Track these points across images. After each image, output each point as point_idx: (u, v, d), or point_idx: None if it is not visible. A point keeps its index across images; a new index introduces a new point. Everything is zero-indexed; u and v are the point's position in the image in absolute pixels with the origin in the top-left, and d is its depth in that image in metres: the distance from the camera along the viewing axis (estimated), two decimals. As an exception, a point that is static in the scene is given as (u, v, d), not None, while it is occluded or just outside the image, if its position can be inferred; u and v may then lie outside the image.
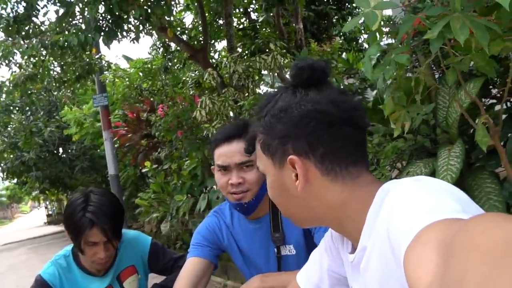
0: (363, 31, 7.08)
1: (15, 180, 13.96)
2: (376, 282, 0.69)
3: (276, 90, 0.88)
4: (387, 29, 1.54)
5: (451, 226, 0.49)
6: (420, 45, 1.59)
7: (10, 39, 4.86)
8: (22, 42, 4.83)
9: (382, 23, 1.34)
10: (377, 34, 1.34)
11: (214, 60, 5.94)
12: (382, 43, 1.42)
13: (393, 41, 1.48)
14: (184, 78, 6.65)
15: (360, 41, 7.14)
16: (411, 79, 1.46)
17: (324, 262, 0.98)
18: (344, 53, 6.89)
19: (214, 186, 4.36)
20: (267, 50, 4.82)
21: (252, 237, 1.49)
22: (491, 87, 2.15)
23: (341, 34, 7.12)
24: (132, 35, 4.83)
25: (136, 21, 4.44)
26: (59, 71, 6.02)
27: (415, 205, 0.58)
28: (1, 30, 4.75)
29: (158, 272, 1.88)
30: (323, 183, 0.74)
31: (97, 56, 6.32)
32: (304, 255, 1.37)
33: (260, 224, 1.47)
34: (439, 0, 1.29)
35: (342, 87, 3.88)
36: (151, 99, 6.53)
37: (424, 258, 0.48)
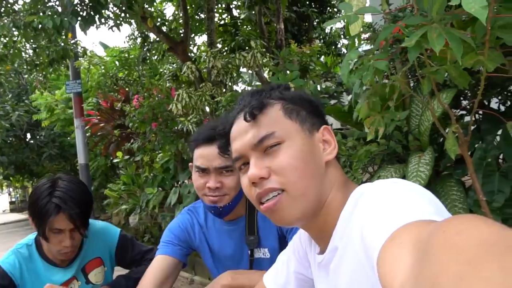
0: (342, 36, 7.17)
1: (-23, 164, 13.39)
2: (347, 283, 0.69)
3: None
4: (366, 35, 1.57)
5: (426, 227, 0.49)
6: (398, 53, 1.63)
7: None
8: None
9: (361, 29, 1.37)
10: (356, 40, 1.36)
11: (193, 54, 5.88)
12: (360, 49, 1.44)
13: (372, 47, 1.51)
14: (161, 70, 6.56)
15: (339, 46, 7.24)
16: (387, 85, 1.49)
17: (291, 264, 0.99)
18: (322, 57, 6.97)
19: (186, 181, 4.33)
20: (247, 47, 4.82)
21: (226, 238, 1.48)
22: (462, 98, 2.23)
23: (321, 37, 7.20)
24: (111, 22, 4.72)
25: (116, 8, 4.35)
26: (32, 54, 5.82)
27: (390, 206, 0.59)
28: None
29: (125, 265, 1.84)
30: (334, 160, 0.79)
31: (72, 41, 6.15)
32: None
33: (236, 226, 1.46)
34: (418, 10, 1.32)
35: (319, 89, 3.92)
36: (127, 89, 6.41)
37: (398, 258, 0.48)
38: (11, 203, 24.89)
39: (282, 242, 1.40)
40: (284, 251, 1.05)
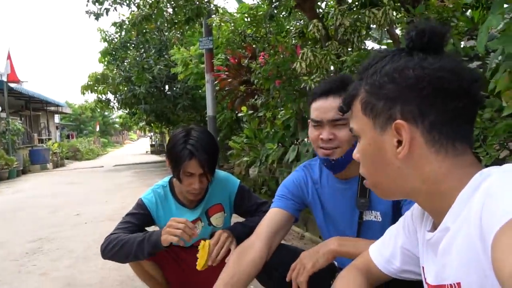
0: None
1: (127, 110, 15.45)
2: (457, 266, 0.66)
3: (383, 51, 0.84)
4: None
5: None
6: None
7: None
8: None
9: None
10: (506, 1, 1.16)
11: (320, 10, 5.72)
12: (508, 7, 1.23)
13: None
14: (287, 27, 6.54)
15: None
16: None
17: (399, 239, 0.97)
18: (469, 11, 6.11)
19: (305, 139, 4.38)
20: (379, 2, 4.49)
21: (338, 196, 1.50)
22: None
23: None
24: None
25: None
26: (171, 13, 6.33)
27: None
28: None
29: (241, 214, 2.01)
30: (425, 153, 0.72)
31: (206, 0, 6.48)
32: (389, 224, 1.36)
33: (349, 185, 1.46)
34: None
35: (458, 51, 3.51)
36: (254, 46, 6.58)
37: None
38: (151, 145, 28.39)
39: (396, 209, 1.36)
40: (394, 225, 1.03)
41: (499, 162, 1.73)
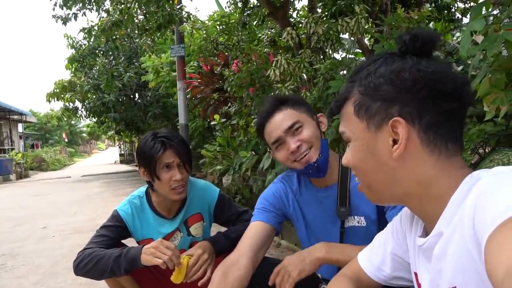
0: (458, -1, 6.45)
1: (95, 119, 15.07)
2: (453, 271, 0.66)
3: (376, 54, 0.85)
4: None
5: None
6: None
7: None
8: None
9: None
10: (484, 5, 1.20)
11: (292, 19, 5.79)
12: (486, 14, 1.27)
13: (503, 12, 1.32)
14: (260, 35, 6.58)
15: (452, 10, 6.54)
16: (513, 58, 1.31)
17: (388, 245, 0.96)
18: (432, 22, 6.36)
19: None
20: (348, 13, 4.59)
21: (319, 205, 1.48)
22: None
23: (432, 0, 6.55)
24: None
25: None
26: (142, 19, 6.24)
27: (507, 193, 0.55)
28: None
29: (221, 223, 1.97)
30: (419, 153, 0.72)
31: (178, 7, 6.44)
32: (374, 229, 1.35)
33: (328, 193, 1.45)
34: None
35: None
36: (226, 53, 6.58)
37: (507, 245, 0.47)
38: (120, 155, 27.78)
39: (381, 213, 1.36)
40: (382, 231, 1.02)
41: (472, 167, 1.78)
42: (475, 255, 0.58)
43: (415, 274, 0.84)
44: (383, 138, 0.74)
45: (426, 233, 0.78)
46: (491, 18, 1.25)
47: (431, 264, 0.74)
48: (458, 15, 6.43)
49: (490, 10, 1.25)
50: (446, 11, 6.31)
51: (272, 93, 4.35)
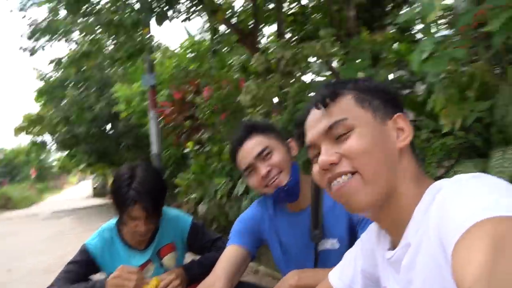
0: (418, 21, 6.75)
1: (65, 152, 14.71)
2: (422, 281, 0.67)
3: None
4: (446, 19, 1.45)
5: (505, 222, 0.47)
6: (482, 38, 1.49)
7: (70, 16, 5.09)
8: (81, 19, 5.04)
9: (442, 12, 1.27)
10: (432, 26, 1.27)
11: (262, 45, 5.91)
12: (438, 34, 1.34)
13: (451, 32, 1.40)
14: (230, 62, 6.68)
15: (413, 32, 6.83)
16: (465, 74, 1.37)
17: (358, 262, 0.96)
18: (396, 44, 6.61)
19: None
20: (316, 37, 4.73)
21: (293, 229, 1.49)
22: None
23: (395, 23, 6.83)
24: (183, 16, 4.90)
25: (187, 1, 4.50)
26: (112, 49, 6.23)
27: (470, 200, 0.56)
28: (64, 7, 4.98)
29: (196, 251, 1.93)
30: (409, 150, 0.77)
31: (148, 36, 6.47)
32: (347, 250, 1.36)
33: (301, 216, 1.46)
34: (507, -11, 1.20)
35: (391, 79, 3.75)
36: (197, 81, 6.62)
37: (474, 252, 0.47)
38: (94, 188, 27.07)
39: (352, 233, 1.37)
40: (351, 249, 1.03)
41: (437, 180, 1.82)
42: (443, 264, 0.59)
43: None
44: (388, 130, 0.77)
45: (393, 246, 0.79)
46: (442, 35, 1.32)
47: (400, 275, 0.75)
48: (420, 35, 6.72)
49: (439, 28, 1.32)
50: (407, 33, 6.60)
51: (244, 118, 4.38)
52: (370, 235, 0.92)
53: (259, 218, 1.55)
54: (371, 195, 0.73)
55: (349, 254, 1.03)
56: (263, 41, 6.52)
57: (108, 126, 12.63)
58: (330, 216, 1.40)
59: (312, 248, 1.44)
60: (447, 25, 1.45)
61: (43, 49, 5.57)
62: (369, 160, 0.73)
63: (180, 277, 1.62)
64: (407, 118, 0.78)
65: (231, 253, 1.46)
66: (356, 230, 1.35)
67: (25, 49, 5.81)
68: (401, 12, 6.83)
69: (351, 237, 1.37)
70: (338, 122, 0.76)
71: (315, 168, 0.80)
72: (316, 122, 0.80)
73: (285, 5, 6.14)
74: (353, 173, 0.74)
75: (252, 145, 1.39)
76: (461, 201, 0.57)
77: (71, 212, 14.06)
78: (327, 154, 0.76)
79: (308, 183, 1.47)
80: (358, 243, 1.00)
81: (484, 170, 1.77)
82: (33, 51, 5.71)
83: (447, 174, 1.80)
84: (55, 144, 13.04)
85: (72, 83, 12.62)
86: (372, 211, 0.76)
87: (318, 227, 1.40)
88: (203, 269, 1.64)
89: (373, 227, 0.91)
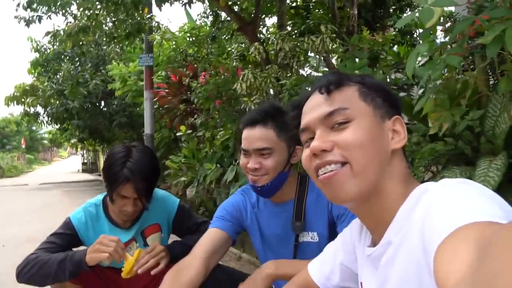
0: (418, 25, 6.76)
1: (57, 126, 14.55)
2: (397, 280, 0.68)
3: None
4: (447, 25, 1.47)
5: (490, 228, 0.48)
6: (478, 47, 1.51)
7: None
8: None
9: (441, 19, 1.28)
10: (431, 32, 1.28)
11: (262, 35, 5.88)
12: (437, 40, 1.35)
13: (447, 39, 1.41)
14: (229, 49, 6.63)
15: (414, 35, 6.85)
16: (459, 81, 1.39)
17: (338, 256, 0.99)
18: (396, 46, 6.63)
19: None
20: (317, 32, 4.72)
21: (275, 220, 1.51)
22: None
23: (395, 26, 6.83)
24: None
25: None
26: (111, 27, 6.16)
27: (456, 204, 0.57)
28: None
29: (180, 234, 1.94)
30: (401, 153, 0.80)
31: (148, 16, 6.40)
32: (326, 244, 1.39)
33: (284, 208, 1.49)
34: (504, 1, 1.21)
35: (388, 81, 3.76)
36: (195, 65, 6.58)
37: (457, 254, 0.48)
38: (83, 163, 26.94)
39: (332, 228, 1.40)
40: (333, 242, 1.05)
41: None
42: (422, 265, 0.59)
43: (361, 284, 0.86)
44: (386, 129, 0.79)
45: (374, 243, 0.81)
46: (439, 42, 1.33)
47: (378, 272, 0.76)
48: (419, 40, 6.73)
49: (437, 34, 1.33)
50: (408, 36, 6.61)
51: (239, 107, 4.38)
52: (352, 230, 0.94)
53: (241, 205, 1.58)
54: (357, 188, 0.73)
55: (329, 247, 1.05)
56: (264, 31, 6.49)
57: (102, 103, 12.50)
58: (312, 210, 1.43)
59: (291, 240, 1.47)
60: (446, 32, 1.46)
61: (39, 22, 5.46)
62: (362, 153, 0.73)
63: (166, 251, 1.63)
64: (403, 122, 0.81)
65: (210, 235, 1.48)
66: (335, 225, 1.38)
67: (20, 19, 5.69)
68: (403, 16, 6.83)
69: (330, 232, 1.40)
70: (339, 111, 0.76)
71: (305, 153, 0.80)
72: (316, 107, 0.80)
73: (289, -4, 6.10)
74: (343, 164, 0.73)
75: (259, 136, 1.38)
76: (446, 205, 0.58)
77: (59, 185, 14.00)
78: (320, 139, 0.76)
79: (295, 177, 1.49)
80: (339, 237, 1.02)
81: (470, 178, 1.79)
82: (28, 22, 5.60)
83: (434, 178, 1.83)
84: (48, 117, 12.86)
85: (68, 57, 12.45)
86: (355, 204, 0.77)
87: (300, 219, 1.43)
88: (186, 249, 1.65)
89: (356, 223, 0.93)
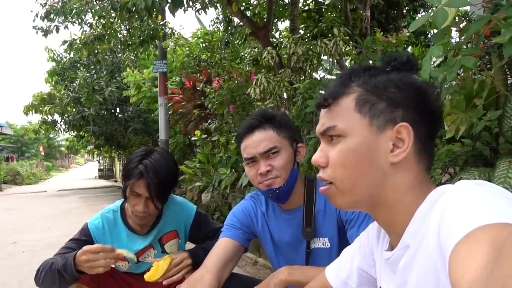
0: (432, 26, 6.68)
1: (74, 133, 14.79)
2: (417, 282, 0.68)
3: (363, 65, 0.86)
4: (461, 25, 1.45)
5: (507, 229, 0.47)
6: (495, 46, 1.49)
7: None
8: (94, 2, 5.05)
9: (457, 18, 1.26)
10: (445, 33, 1.26)
11: (274, 40, 5.89)
12: (452, 40, 1.33)
13: (462, 39, 1.39)
14: (242, 54, 6.66)
15: (429, 36, 6.77)
16: (475, 81, 1.37)
17: (355, 260, 0.98)
18: (410, 47, 6.58)
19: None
20: (329, 35, 4.71)
21: (285, 227, 1.50)
22: None
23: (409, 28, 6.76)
24: (198, 5, 4.89)
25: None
26: (125, 34, 6.25)
27: (472, 206, 0.56)
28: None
29: (198, 240, 1.93)
30: (410, 162, 0.74)
31: (161, 23, 6.48)
32: (337, 250, 1.38)
33: (294, 215, 1.48)
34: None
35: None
36: (208, 70, 6.63)
37: (472, 255, 0.47)
38: (99, 170, 27.29)
39: (341, 233, 1.38)
40: (350, 246, 1.04)
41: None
42: (439, 267, 0.59)
43: None
44: (384, 140, 0.73)
45: (391, 247, 0.80)
46: (454, 42, 1.31)
47: (396, 275, 0.76)
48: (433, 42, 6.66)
49: (451, 35, 1.31)
50: (422, 37, 6.54)
51: (253, 111, 4.39)
52: (370, 235, 0.94)
53: (252, 212, 1.56)
54: (348, 201, 0.77)
55: (347, 251, 1.04)
56: (276, 35, 6.50)
57: (118, 110, 12.66)
58: (321, 216, 1.42)
59: (303, 246, 1.45)
60: (459, 31, 1.44)
61: (57, 32, 5.57)
62: (346, 175, 0.74)
63: (190, 258, 1.64)
64: (410, 128, 0.73)
65: (222, 246, 1.47)
66: (344, 230, 1.37)
67: (38, 29, 5.82)
68: (417, 16, 6.77)
69: (341, 237, 1.39)
70: (330, 128, 0.77)
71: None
72: (320, 119, 0.81)
73: (301, 0, 6.11)
74: (330, 182, 0.77)
75: (262, 139, 1.37)
76: (462, 207, 0.57)
77: (76, 191, 14.21)
78: (319, 153, 0.79)
79: (302, 182, 1.48)
80: (356, 241, 1.01)
81: (488, 179, 1.76)
82: (46, 32, 5.72)
83: (451, 180, 1.80)
84: (65, 124, 13.09)
85: (84, 65, 12.67)
86: (361, 209, 0.79)
87: (310, 225, 1.42)
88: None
89: (373, 227, 0.92)
